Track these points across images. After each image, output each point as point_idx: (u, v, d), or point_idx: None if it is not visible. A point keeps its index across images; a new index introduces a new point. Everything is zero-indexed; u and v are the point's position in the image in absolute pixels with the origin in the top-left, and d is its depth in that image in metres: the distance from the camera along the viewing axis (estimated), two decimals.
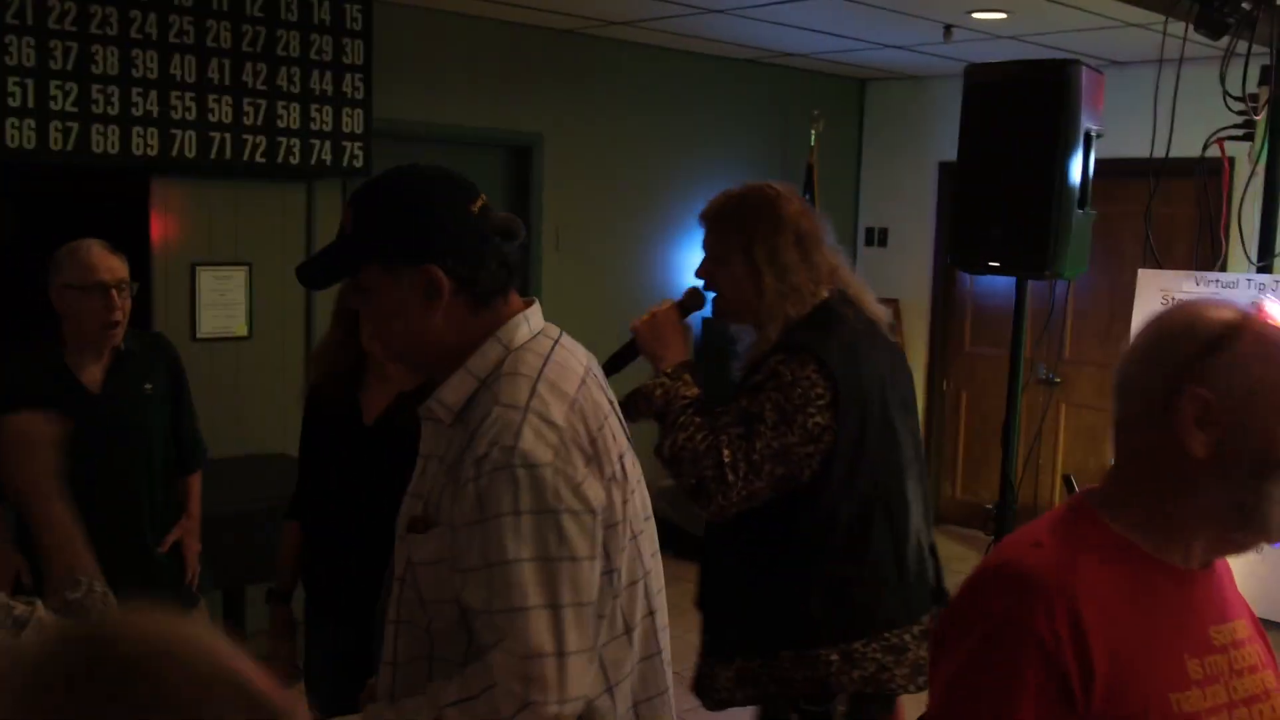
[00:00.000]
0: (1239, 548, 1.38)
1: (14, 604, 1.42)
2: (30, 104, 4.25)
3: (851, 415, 2.40)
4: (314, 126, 4.96)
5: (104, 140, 4.43)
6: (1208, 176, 3.97)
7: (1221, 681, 1.32)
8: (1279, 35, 3.66)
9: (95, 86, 4.39)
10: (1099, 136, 3.50)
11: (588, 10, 5.45)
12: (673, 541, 3.36)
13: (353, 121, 5.07)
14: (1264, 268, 3.91)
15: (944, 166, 7.10)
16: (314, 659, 2.95)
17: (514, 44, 5.79)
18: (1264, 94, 3.72)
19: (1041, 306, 4.48)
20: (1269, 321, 1.38)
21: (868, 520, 2.47)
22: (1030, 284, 3.71)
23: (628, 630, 1.67)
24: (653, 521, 1.79)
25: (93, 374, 3.23)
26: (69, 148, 4.36)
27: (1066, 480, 5.86)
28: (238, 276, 4.97)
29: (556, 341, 1.71)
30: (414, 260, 1.61)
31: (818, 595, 2.44)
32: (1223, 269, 4.09)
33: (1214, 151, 3.85)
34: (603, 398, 1.71)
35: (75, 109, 4.35)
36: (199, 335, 4.88)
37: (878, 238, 7.57)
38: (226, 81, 4.70)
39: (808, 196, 6.74)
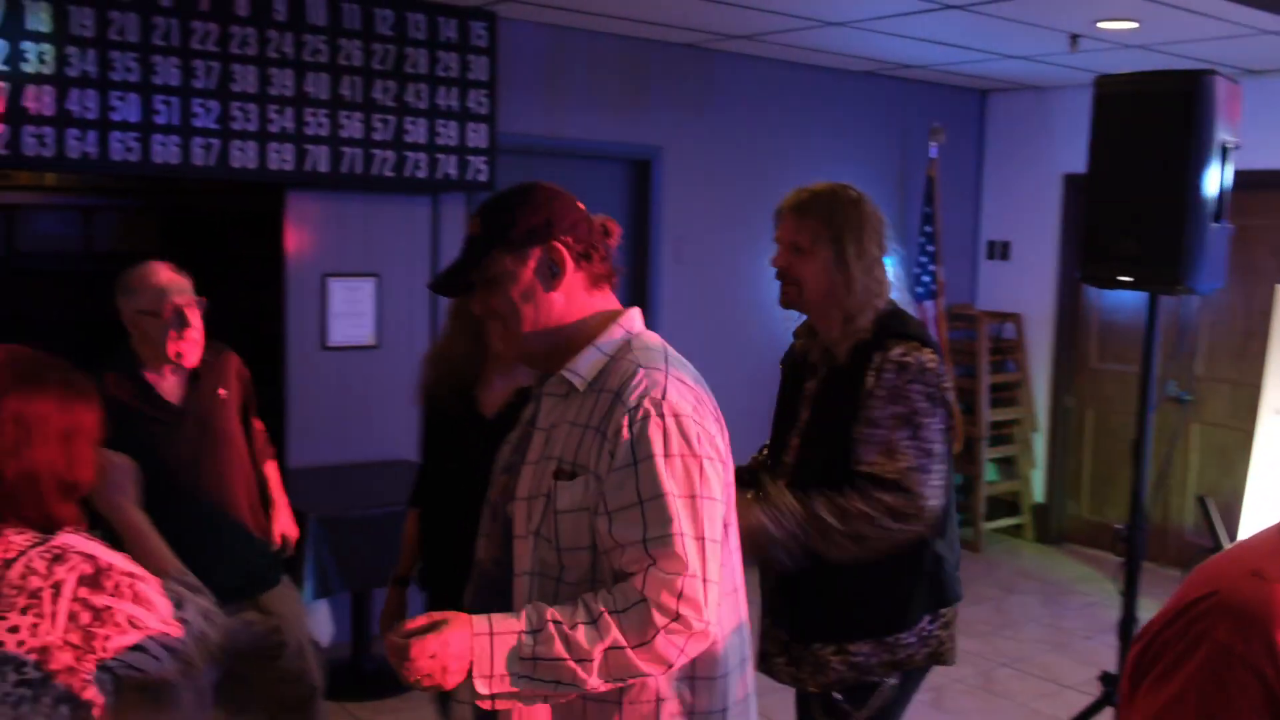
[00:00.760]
0: None
1: (25, 663, 1.48)
2: (175, 121, 4.44)
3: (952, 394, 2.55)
4: (440, 142, 5.09)
5: (242, 156, 4.61)
6: None
7: None
8: None
9: (235, 104, 4.57)
10: (1235, 148, 3.41)
11: (708, 25, 5.49)
12: None
13: (478, 136, 5.19)
14: None
15: (1069, 179, 6.97)
16: None
17: (634, 58, 5.86)
18: None
19: (1173, 322, 4.36)
20: None
21: (948, 502, 2.57)
22: (1162, 299, 3.62)
23: (736, 589, 1.87)
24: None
25: (171, 386, 3.36)
26: (210, 163, 4.55)
27: (1200, 501, 5.70)
28: (366, 287, 5.11)
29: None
30: (539, 240, 1.83)
31: (922, 576, 2.53)
32: None
33: None
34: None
35: (217, 126, 4.53)
36: (329, 344, 5.03)
37: (1000, 251, 7.44)
38: (358, 99, 4.86)
39: (928, 210, 6.67)
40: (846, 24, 5.35)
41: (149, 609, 1.55)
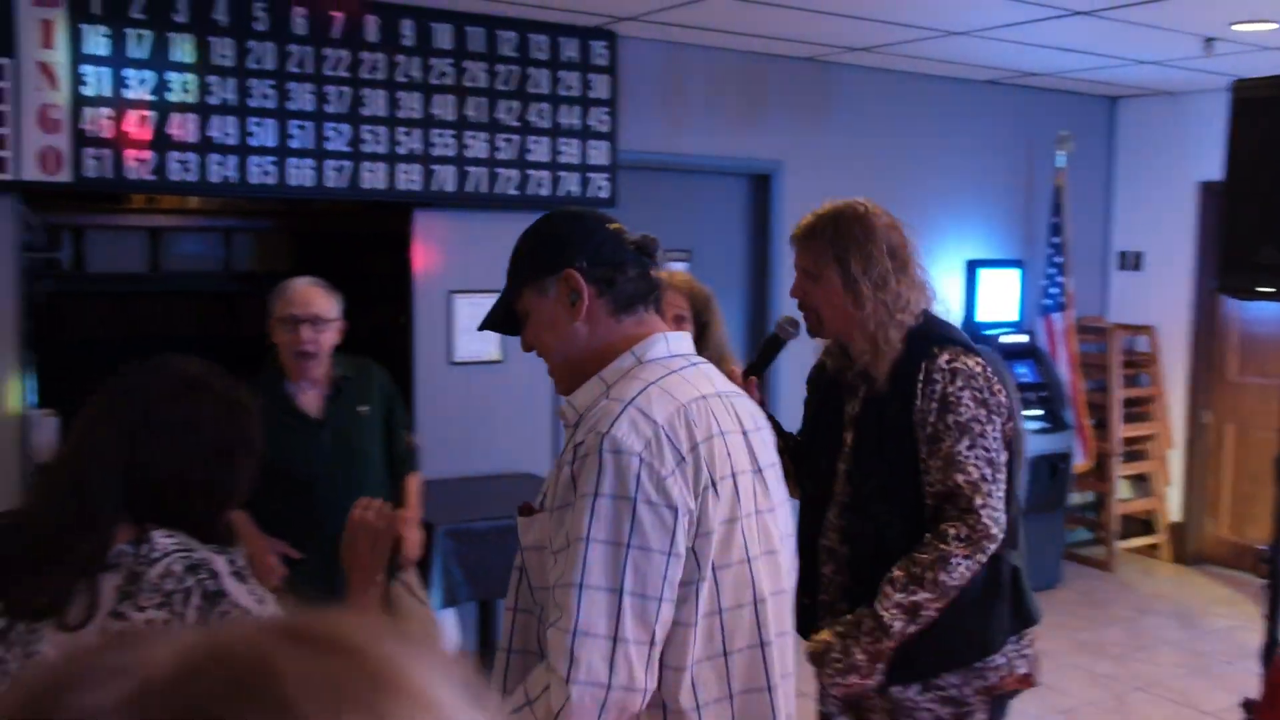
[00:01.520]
0: None
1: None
2: (310, 145, 4.60)
3: (1010, 398, 2.45)
4: (562, 160, 5.17)
5: (372, 177, 4.75)
6: None
7: None
8: None
9: (365, 128, 4.72)
10: None
11: (827, 38, 5.47)
12: None
13: (599, 154, 5.25)
14: None
15: (1205, 186, 6.73)
16: None
17: (754, 73, 5.86)
18: None
19: None
20: None
21: (1016, 511, 2.51)
22: None
23: (725, 654, 1.66)
24: (782, 556, 1.78)
25: (312, 400, 3.51)
26: (342, 185, 4.70)
27: None
28: (490, 304, 5.19)
29: (694, 365, 1.77)
30: (554, 269, 1.74)
31: (1001, 591, 2.45)
32: None
33: None
34: (731, 423, 1.72)
35: (348, 149, 4.68)
36: (455, 360, 5.14)
37: (1132, 262, 7.23)
38: (483, 119, 4.96)
39: (1056, 220, 6.52)
40: (969, 33, 5.27)
41: None
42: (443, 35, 4.86)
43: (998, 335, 6.49)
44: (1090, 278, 7.22)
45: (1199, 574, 6.87)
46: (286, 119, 4.56)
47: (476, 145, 4.96)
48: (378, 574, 1.88)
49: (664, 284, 3.34)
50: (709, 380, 1.76)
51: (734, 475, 1.67)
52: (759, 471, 1.74)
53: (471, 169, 4.94)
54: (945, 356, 2.39)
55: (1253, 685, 3.79)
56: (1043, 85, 6.72)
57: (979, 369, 2.40)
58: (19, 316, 4.22)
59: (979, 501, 2.32)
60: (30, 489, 1.71)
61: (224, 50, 4.42)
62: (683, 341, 1.80)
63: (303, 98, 4.59)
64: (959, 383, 2.36)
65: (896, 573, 2.33)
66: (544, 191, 5.11)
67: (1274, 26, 4.89)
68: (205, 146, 4.41)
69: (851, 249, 2.46)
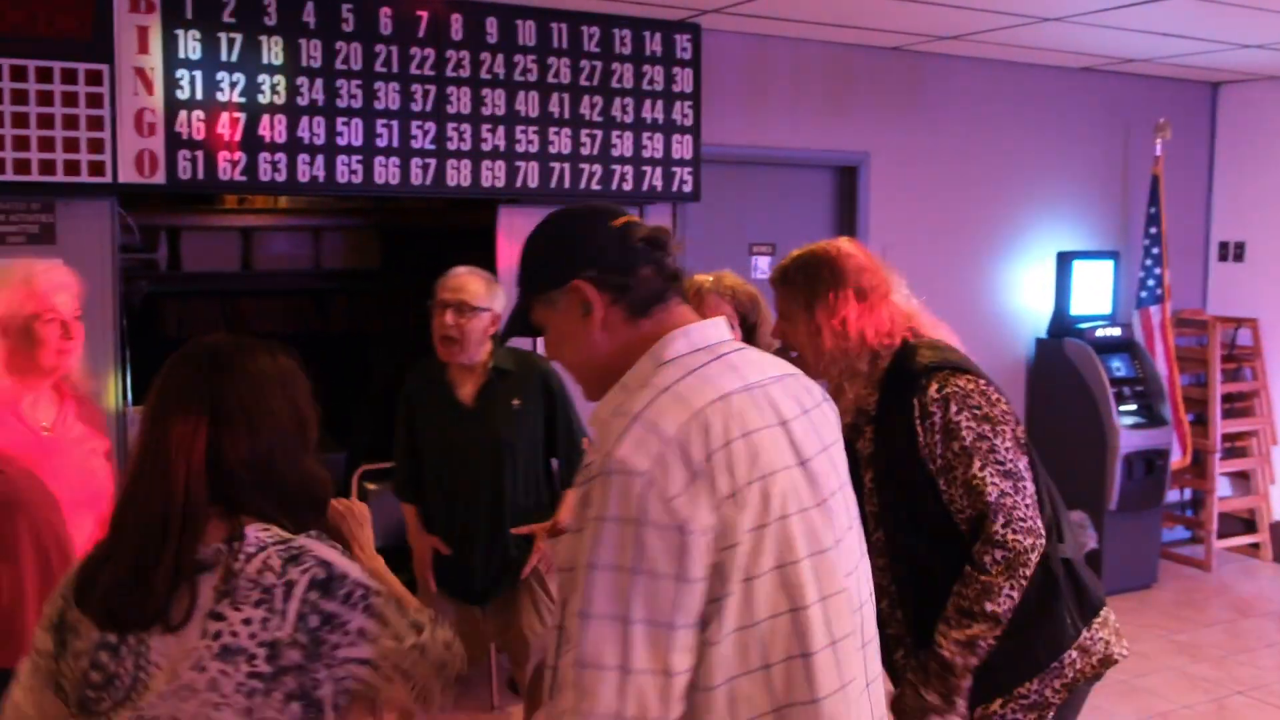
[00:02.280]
0: None
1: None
2: (395, 144, 4.65)
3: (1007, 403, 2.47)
4: (645, 154, 5.15)
5: (457, 174, 4.78)
6: None
7: None
8: None
9: (450, 125, 4.75)
10: None
11: (914, 27, 5.37)
12: None
13: (682, 148, 5.23)
14: None
15: None
16: None
17: (839, 64, 5.78)
18: None
19: None
20: None
21: (1053, 505, 2.49)
22: None
23: (765, 666, 1.53)
24: (837, 553, 1.63)
25: (468, 390, 3.57)
26: (427, 182, 4.74)
27: None
28: None
29: (720, 357, 1.64)
30: (561, 281, 1.65)
31: (1059, 588, 2.42)
32: None
33: None
34: (764, 417, 1.59)
35: (433, 147, 4.72)
36: (540, 354, 5.15)
37: (1233, 252, 6.99)
38: (566, 115, 4.97)
39: (1153, 210, 6.34)
40: (1064, 19, 5.14)
41: (381, 625, 1.57)
42: (526, 31, 4.87)
43: (1092, 329, 6.33)
44: (1189, 269, 7.00)
45: None
46: (373, 118, 4.61)
47: (560, 141, 4.97)
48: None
49: (703, 286, 3.28)
50: (736, 372, 1.62)
51: (764, 478, 1.54)
52: (804, 463, 1.61)
53: (555, 165, 4.95)
54: (934, 386, 2.40)
55: None
56: (1141, 72, 6.52)
57: (971, 386, 2.41)
58: (117, 316, 4.33)
59: (1002, 521, 2.32)
60: (117, 510, 1.67)
61: (312, 51, 4.48)
62: (707, 331, 1.67)
63: (389, 97, 4.63)
64: (954, 408, 2.38)
65: (949, 611, 2.36)
66: (627, 186, 5.10)
67: None
68: (294, 147, 4.47)
69: (818, 292, 2.51)
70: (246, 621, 1.49)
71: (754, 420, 1.57)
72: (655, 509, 1.46)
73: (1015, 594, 2.32)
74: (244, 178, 4.42)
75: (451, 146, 4.76)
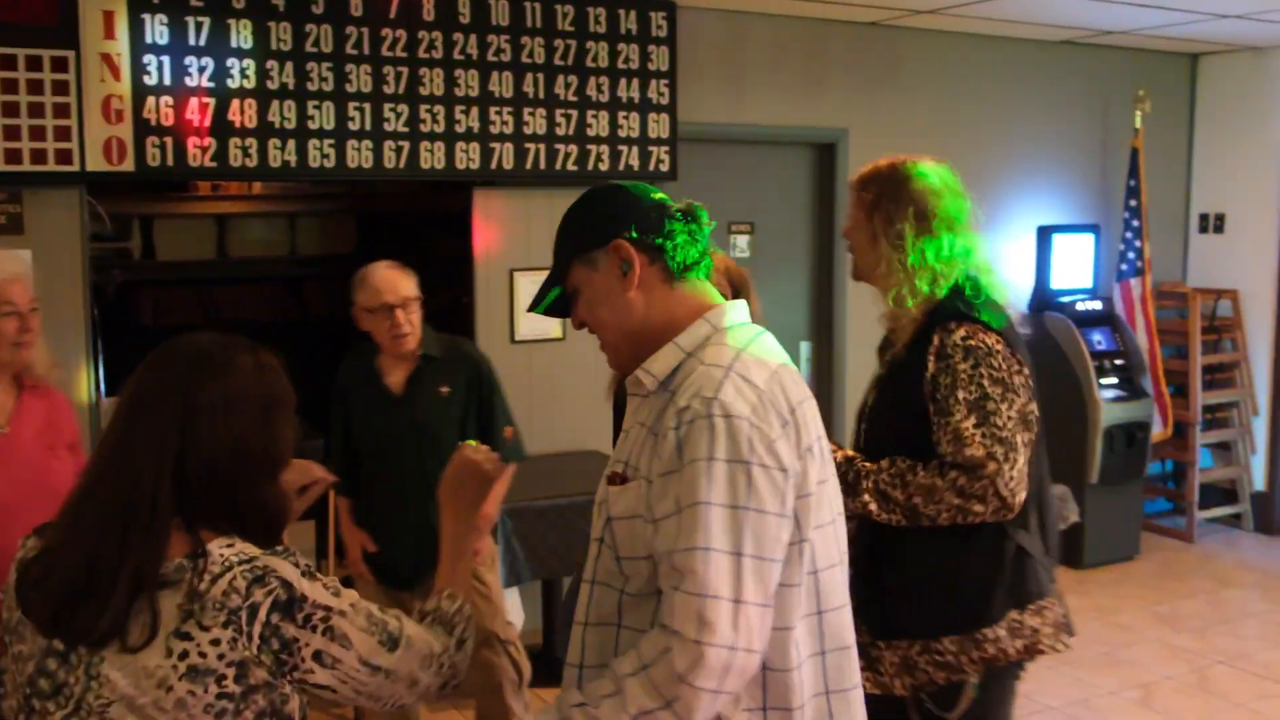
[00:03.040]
0: None
1: None
2: (367, 126, 4.60)
3: (1030, 378, 2.44)
4: (622, 134, 5.11)
5: (431, 157, 4.74)
6: None
7: None
8: None
9: (423, 107, 4.71)
10: None
11: (893, 1, 5.34)
12: None
13: (659, 127, 5.19)
14: None
15: None
16: None
17: (816, 40, 5.75)
18: None
19: None
20: None
21: (1039, 489, 2.50)
22: None
23: (820, 612, 1.69)
24: (841, 522, 1.78)
25: (397, 377, 3.59)
26: (400, 166, 4.69)
27: None
28: None
29: (762, 333, 1.77)
30: (602, 241, 1.73)
31: (1003, 568, 2.43)
32: None
33: None
34: (805, 390, 1.73)
35: (406, 129, 4.68)
36: (517, 338, 5.13)
37: (1213, 224, 7.00)
38: (540, 95, 4.93)
39: (1133, 183, 6.33)
40: None
41: (344, 646, 1.53)
42: (499, 11, 4.82)
43: (1073, 302, 6.33)
44: (1169, 241, 7.00)
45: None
46: (345, 101, 4.56)
47: (535, 122, 4.93)
48: (471, 529, 1.87)
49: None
50: (777, 348, 1.77)
51: (819, 439, 1.70)
52: (819, 439, 1.74)
53: (530, 145, 4.91)
54: (962, 332, 2.40)
55: None
56: (1119, 44, 6.50)
57: (999, 347, 2.40)
58: (88, 306, 4.29)
59: (991, 469, 2.31)
60: (71, 506, 1.60)
61: (282, 34, 4.42)
62: (743, 309, 1.79)
63: (360, 79, 4.58)
64: (972, 360, 2.37)
65: (898, 465, 2.40)
66: (604, 166, 5.06)
67: None
68: (265, 131, 4.42)
69: (881, 202, 2.52)
70: (215, 642, 1.45)
71: (805, 389, 1.72)
72: (761, 450, 1.58)
73: (946, 518, 2.35)
74: (214, 164, 4.37)
75: (425, 129, 4.72)
